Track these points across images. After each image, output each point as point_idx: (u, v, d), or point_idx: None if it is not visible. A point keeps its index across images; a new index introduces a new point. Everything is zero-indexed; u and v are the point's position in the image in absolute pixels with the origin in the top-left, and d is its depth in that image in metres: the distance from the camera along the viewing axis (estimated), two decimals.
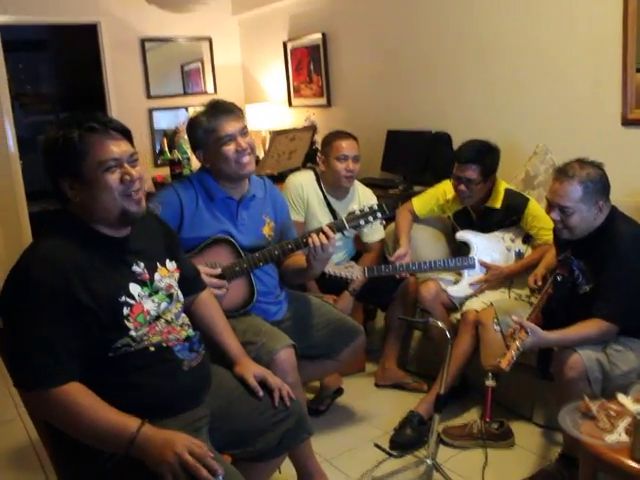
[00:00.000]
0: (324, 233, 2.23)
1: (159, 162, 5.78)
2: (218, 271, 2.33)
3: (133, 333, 1.62)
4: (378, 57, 4.56)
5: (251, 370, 1.96)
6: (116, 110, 5.53)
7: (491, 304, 2.79)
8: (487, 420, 2.67)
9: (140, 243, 1.76)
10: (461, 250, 3.14)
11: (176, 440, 1.51)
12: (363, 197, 3.31)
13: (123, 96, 5.64)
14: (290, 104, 5.58)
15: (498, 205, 3.01)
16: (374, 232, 3.27)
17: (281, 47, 5.49)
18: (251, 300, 2.41)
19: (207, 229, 2.37)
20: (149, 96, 5.79)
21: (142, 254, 1.74)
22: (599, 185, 2.27)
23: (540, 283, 2.63)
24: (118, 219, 1.65)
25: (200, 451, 1.50)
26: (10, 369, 1.58)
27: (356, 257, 3.37)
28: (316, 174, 3.29)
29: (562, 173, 2.30)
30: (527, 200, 3.00)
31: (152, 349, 1.67)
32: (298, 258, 2.46)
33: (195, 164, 5.06)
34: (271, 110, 5.57)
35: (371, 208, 2.28)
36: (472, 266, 3.01)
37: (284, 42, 5.45)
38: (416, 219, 3.30)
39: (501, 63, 3.67)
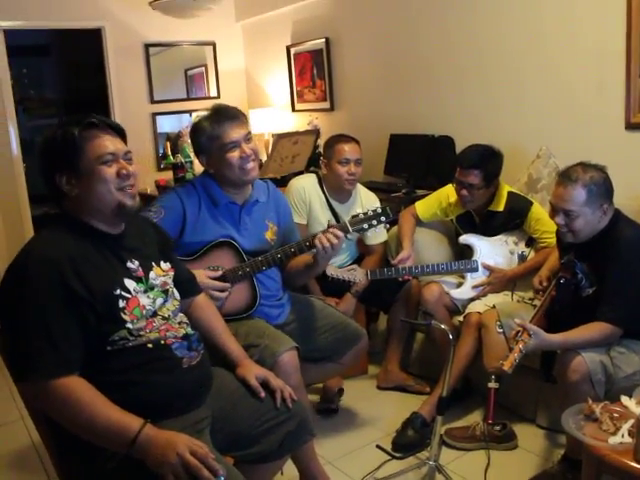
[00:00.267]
0: (333, 233, 2.24)
1: (162, 166, 5.80)
2: (219, 273, 2.34)
3: (130, 325, 1.63)
4: (381, 61, 4.57)
5: (253, 371, 1.96)
6: (119, 114, 5.54)
7: (494, 306, 2.78)
8: (490, 422, 2.66)
9: (135, 242, 1.79)
10: (464, 253, 3.14)
11: (178, 441, 1.51)
12: (366, 200, 3.31)
13: (127, 100, 5.65)
14: (293, 109, 5.59)
15: (501, 209, 3.01)
16: (377, 235, 3.26)
17: (284, 52, 5.50)
18: (254, 304, 2.40)
19: (209, 234, 2.37)
20: (152, 100, 5.81)
21: (137, 252, 1.76)
22: (603, 188, 2.27)
23: (545, 284, 2.63)
24: (113, 212, 1.68)
25: (202, 452, 1.50)
26: (11, 365, 1.58)
27: (359, 259, 3.37)
28: (319, 177, 3.29)
29: (565, 177, 2.30)
30: (530, 203, 3.00)
31: (150, 346, 1.67)
32: (301, 257, 2.46)
33: (198, 168, 5.07)
34: (274, 115, 5.58)
35: (375, 212, 2.28)
36: (475, 269, 3.01)
37: (287, 47, 5.46)
38: (419, 223, 3.31)
39: (504, 67, 3.68)
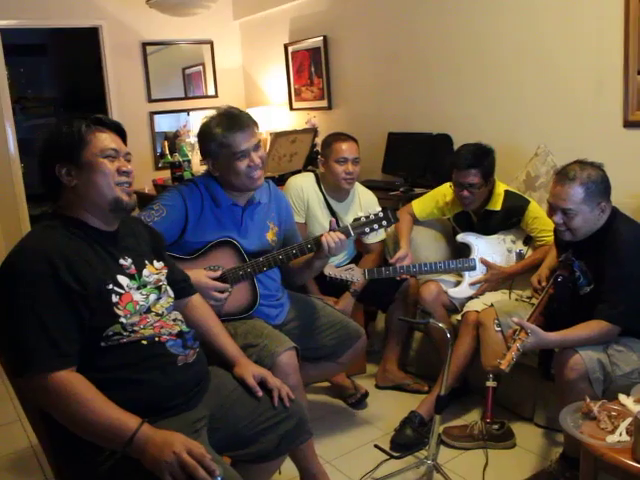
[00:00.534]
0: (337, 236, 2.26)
1: (160, 165, 5.79)
2: (218, 273, 2.33)
3: (123, 320, 1.64)
4: (379, 59, 4.56)
5: (250, 370, 1.96)
6: (117, 113, 5.53)
7: (492, 305, 2.78)
8: (488, 421, 2.66)
9: (128, 241, 1.80)
10: (462, 252, 3.14)
11: (175, 440, 1.51)
12: (364, 199, 3.31)
13: (124, 99, 5.65)
14: (291, 107, 5.58)
15: (498, 207, 3.01)
16: (374, 235, 3.26)
17: (282, 50, 5.49)
18: (254, 304, 2.40)
19: (211, 234, 2.37)
20: (150, 99, 5.80)
21: (130, 250, 1.77)
22: (601, 186, 2.26)
23: (544, 283, 2.62)
24: (110, 206, 1.69)
25: (199, 451, 1.50)
26: (8, 360, 1.59)
27: (356, 258, 3.36)
28: (317, 176, 3.29)
29: (563, 175, 2.29)
30: (527, 202, 3.00)
31: (144, 342, 1.68)
32: (301, 257, 2.45)
33: (195, 167, 5.08)
34: (272, 113, 5.58)
35: (377, 215, 2.28)
36: (473, 268, 3.01)
37: (285, 45, 5.46)
38: (416, 221, 3.30)
39: (502, 64, 3.67)
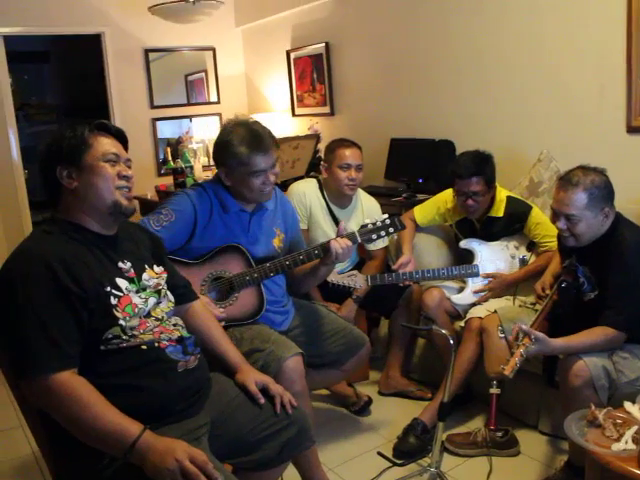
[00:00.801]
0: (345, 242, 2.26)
1: (162, 171, 5.79)
2: (220, 311, 2.32)
3: (122, 323, 1.63)
4: (381, 65, 4.56)
5: (252, 377, 1.95)
6: (120, 120, 5.54)
7: (495, 311, 2.76)
8: (492, 428, 2.64)
9: (127, 245, 1.80)
10: (465, 258, 3.13)
11: (177, 447, 1.50)
12: (366, 206, 3.30)
13: (127, 106, 5.66)
14: (293, 113, 5.59)
15: (501, 214, 2.99)
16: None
17: (284, 56, 5.50)
18: (261, 309, 2.39)
19: (218, 240, 2.37)
20: (153, 106, 5.81)
21: (129, 254, 1.77)
22: (604, 191, 2.25)
23: (548, 290, 2.61)
24: (109, 210, 1.70)
25: (201, 459, 1.49)
26: (10, 364, 1.58)
27: (359, 264, 3.35)
28: (319, 182, 3.28)
29: (566, 181, 2.28)
30: (530, 208, 2.98)
31: (144, 347, 1.67)
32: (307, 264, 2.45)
33: (198, 173, 5.08)
34: (275, 120, 5.58)
35: (383, 223, 2.28)
36: (476, 274, 2.99)
37: (287, 51, 5.46)
38: (418, 228, 3.29)
39: (505, 70, 3.67)
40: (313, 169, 4.55)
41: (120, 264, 1.72)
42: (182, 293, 2.00)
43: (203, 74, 6.10)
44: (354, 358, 2.62)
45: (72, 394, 1.50)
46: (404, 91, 4.39)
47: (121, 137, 1.80)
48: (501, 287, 2.96)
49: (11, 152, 5.21)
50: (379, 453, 2.70)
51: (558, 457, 2.59)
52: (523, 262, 2.99)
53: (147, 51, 5.71)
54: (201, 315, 2.05)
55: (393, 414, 3.05)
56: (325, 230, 3.13)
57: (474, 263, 3.01)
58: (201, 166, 5.29)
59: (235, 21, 6.06)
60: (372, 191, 3.64)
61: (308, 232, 3.17)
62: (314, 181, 3.31)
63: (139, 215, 3.53)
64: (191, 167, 5.05)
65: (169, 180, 5.26)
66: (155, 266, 1.84)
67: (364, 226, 2.30)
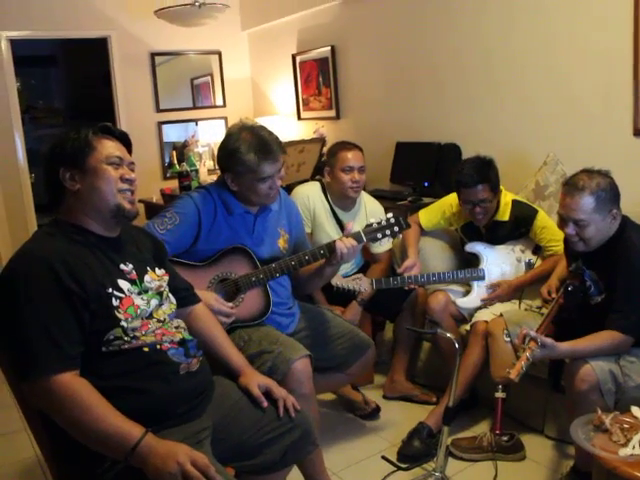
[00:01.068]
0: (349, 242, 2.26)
1: (168, 175, 5.81)
2: (229, 305, 2.31)
3: (124, 324, 1.63)
4: (387, 69, 4.56)
5: (255, 380, 1.94)
6: (125, 123, 5.56)
7: (501, 315, 2.75)
8: (497, 432, 2.63)
9: (129, 247, 1.80)
10: (470, 261, 3.11)
11: (179, 450, 1.49)
12: (370, 208, 3.29)
13: (133, 109, 5.68)
14: (299, 117, 5.59)
15: (506, 218, 2.98)
16: (383, 243, 3.24)
17: (290, 60, 5.50)
18: (267, 310, 2.39)
19: (223, 242, 2.37)
20: (158, 109, 5.83)
21: (131, 256, 1.77)
22: (610, 193, 2.24)
23: (554, 294, 2.59)
24: (111, 213, 1.70)
25: (203, 462, 1.48)
26: (12, 365, 1.58)
27: (364, 267, 3.34)
28: (323, 185, 3.27)
29: (571, 186, 2.26)
30: (535, 211, 2.97)
31: (146, 349, 1.66)
32: (312, 265, 2.44)
33: (203, 176, 5.09)
34: (280, 123, 5.58)
35: (388, 221, 2.28)
36: (482, 278, 2.98)
37: (293, 55, 5.47)
38: (423, 231, 3.28)
39: (510, 73, 3.66)
40: (318, 173, 4.54)
41: (122, 266, 1.72)
42: (184, 296, 1.99)
43: (209, 78, 6.12)
44: (359, 361, 2.61)
45: (73, 396, 1.50)
46: (409, 95, 4.38)
47: (125, 140, 1.79)
48: (508, 293, 2.94)
49: (17, 155, 5.24)
50: (383, 457, 2.68)
51: (564, 462, 2.57)
52: (529, 266, 2.97)
53: (153, 55, 5.73)
54: (204, 318, 2.05)
55: (398, 418, 3.03)
56: (329, 233, 3.13)
57: (480, 267, 2.99)
58: (206, 170, 5.30)
59: (241, 25, 6.08)
60: (378, 195, 3.64)
61: (312, 236, 3.16)
62: (318, 184, 3.30)
63: (143, 218, 3.53)
64: (196, 170, 5.06)
65: (174, 183, 5.27)
66: (157, 268, 1.84)
67: (369, 225, 2.30)
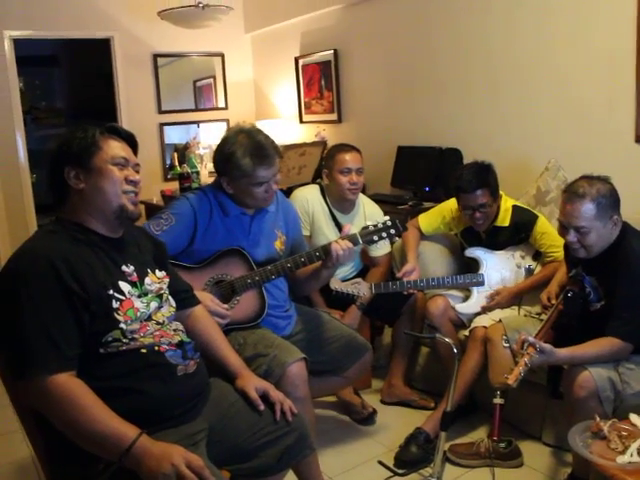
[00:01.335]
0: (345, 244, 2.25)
1: (169, 176, 5.81)
2: (225, 307, 2.31)
3: (123, 326, 1.62)
4: (389, 73, 4.56)
5: (252, 383, 1.93)
6: (127, 124, 5.55)
7: (500, 320, 2.74)
8: (495, 439, 2.61)
9: (130, 249, 1.80)
10: (470, 267, 3.10)
11: (173, 452, 1.49)
12: (369, 211, 3.28)
13: (135, 110, 5.69)
14: (301, 120, 5.59)
15: (506, 223, 2.97)
16: (381, 246, 3.23)
17: (292, 63, 5.51)
18: (262, 312, 2.39)
19: (219, 243, 2.36)
20: (160, 111, 5.83)
21: (132, 258, 1.77)
22: (611, 199, 2.23)
23: (554, 301, 2.58)
24: (115, 214, 1.70)
25: (198, 464, 1.48)
26: (9, 364, 1.57)
27: (363, 271, 3.33)
28: (321, 188, 3.27)
29: (572, 193, 2.25)
30: (536, 217, 2.96)
31: (143, 351, 1.66)
32: (308, 266, 2.43)
33: (204, 178, 5.08)
34: (282, 126, 5.58)
35: (385, 224, 2.28)
36: (481, 283, 2.97)
37: (296, 58, 5.47)
38: (423, 236, 3.27)
39: (512, 78, 3.66)
40: (320, 176, 4.54)
41: (124, 267, 1.71)
42: (184, 298, 1.99)
43: (211, 80, 6.12)
44: (356, 365, 2.61)
45: (69, 396, 1.49)
46: (411, 99, 4.38)
47: (131, 141, 1.79)
48: (508, 300, 2.93)
49: (18, 155, 5.24)
50: (380, 462, 2.67)
51: (562, 469, 2.56)
52: (529, 272, 2.96)
53: (156, 56, 5.74)
54: (202, 320, 2.04)
55: (395, 423, 3.02)
56: (328, 236, 3.12)
57: (479, 272, 2.98)
58: (207, 172, 5.29)
59: (244, 27, 6.09)
60: (378, 199, 3.63)
61: (311, 238, 3.15)
62: (317, 187, 3.30)
63: (144, 219, 3.52)
64: (197, 172, 5.05)
65: (175, 185, 5.27)
66: (157, 271, 1.84)
67: (365, 227, 2.30)
